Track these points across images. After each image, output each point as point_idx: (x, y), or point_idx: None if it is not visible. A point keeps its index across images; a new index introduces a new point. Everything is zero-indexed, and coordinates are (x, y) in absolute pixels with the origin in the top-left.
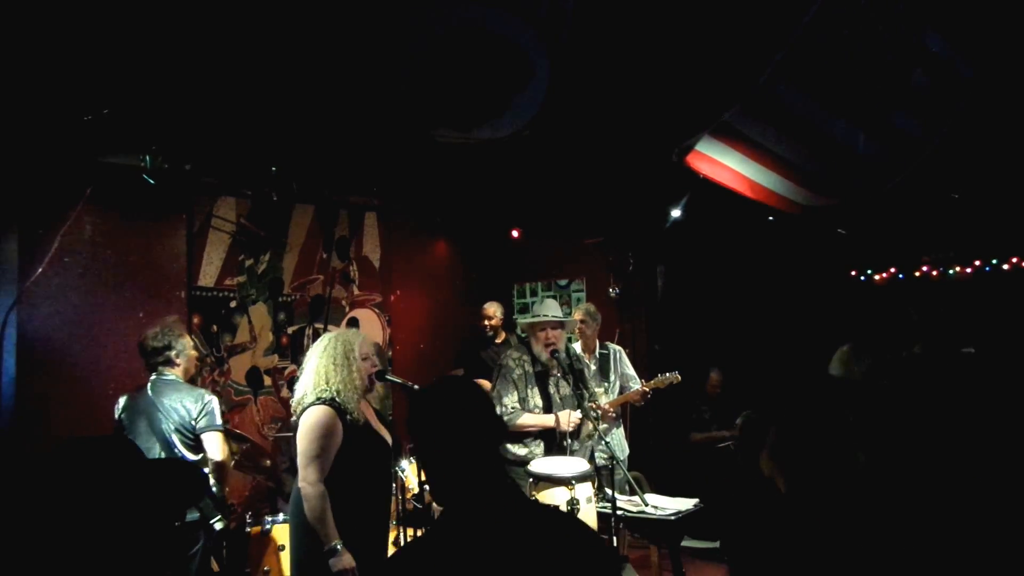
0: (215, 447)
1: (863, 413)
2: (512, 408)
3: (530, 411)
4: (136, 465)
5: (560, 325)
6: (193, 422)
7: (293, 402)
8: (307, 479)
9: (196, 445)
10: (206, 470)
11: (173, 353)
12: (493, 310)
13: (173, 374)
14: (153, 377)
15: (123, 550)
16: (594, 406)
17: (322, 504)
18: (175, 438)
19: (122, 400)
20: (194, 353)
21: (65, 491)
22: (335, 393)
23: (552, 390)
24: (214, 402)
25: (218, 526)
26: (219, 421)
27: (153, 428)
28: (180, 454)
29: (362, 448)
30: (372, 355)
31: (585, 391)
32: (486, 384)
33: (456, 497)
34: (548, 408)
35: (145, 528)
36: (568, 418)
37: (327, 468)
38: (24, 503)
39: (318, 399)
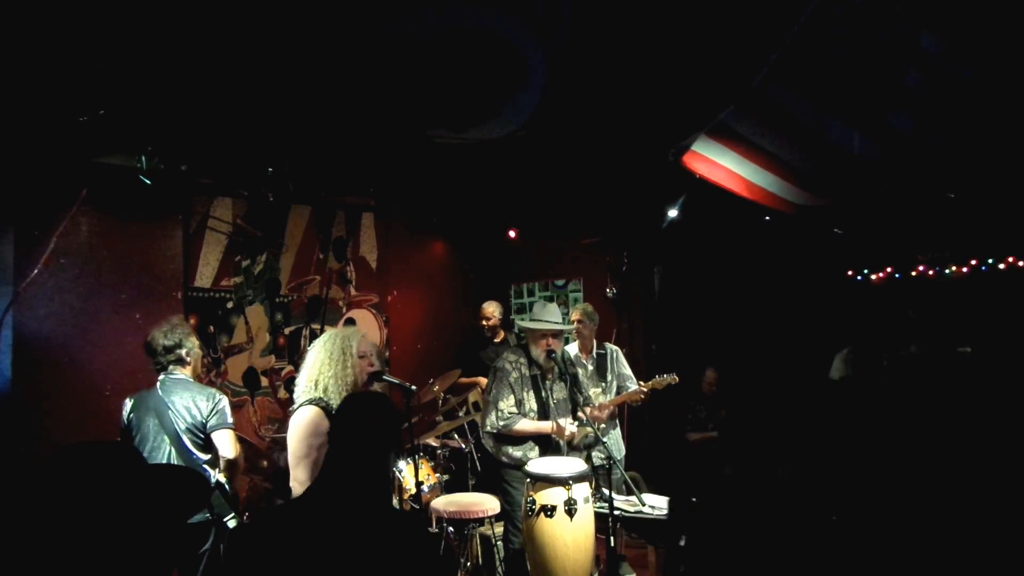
0: (227, 445)
1: (862, 413)
2: (509, 413)
3: (525, 414)
4: (139, 470)
5: (560, 333)
6: (204, 421)
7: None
8: (297, 479)
9: (206, 444)
10: (215, 471)
11: (184, 351)
12: (492, 310)
13: (183, 373)
14: (162, 377)
15: (127, 555)
16: (588, 412)
17: None
18: (185, 438)
19: (129, 402)
20: (200, 352)
21: (67, 495)
22: (323, 391)
23: (546, 394)
24: (225, 401)
25: (231, 524)
26: (230, 420)
27: (164, 426)
28: (191, 452)
29: None
30: (371, 354)
31: (580, 395)
32: (484, 381)
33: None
34: (543, 411)
35: (150, 533)
36: (565, 426)
37: (316, 467)
38: (26, 507)
39: (308, 400)
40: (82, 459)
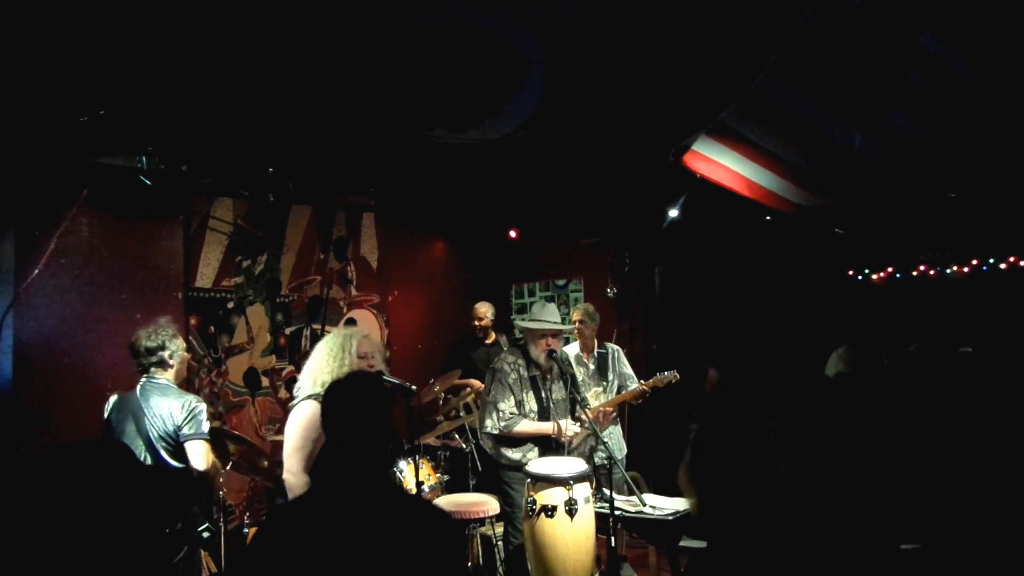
0: (198, 457)
1: (858, 412)
2: (511, 414)
3: (525, 415)
4: (129, 470)
5: (560, 333)
6: (177, 429)
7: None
8: (290, 469)
9: (179, 452)
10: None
11: (167, 354)
12: (484, 310)
13: (164, 377)
14: (143, 380)
15: (112, 554)
16: (585, 414)
17: None
18: (159, 445)
19: (112, 399)
20: (187, 355)
21: (57, 494)
22: (322, 387)
23: (546, 395)
24: (202, 409)
25: (205, 535)
26: (205, 429)
27: (139, 431)
28: (165, 460)
29: None
30: (372, 355)
31: (577, 395)
32: (477, 384)
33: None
34: (543, 412)
35: (136, 533)
36: (567, 428)
37: (310, 460)
38: (17, 506)
39: (309, 395)
40: (71, 459)
